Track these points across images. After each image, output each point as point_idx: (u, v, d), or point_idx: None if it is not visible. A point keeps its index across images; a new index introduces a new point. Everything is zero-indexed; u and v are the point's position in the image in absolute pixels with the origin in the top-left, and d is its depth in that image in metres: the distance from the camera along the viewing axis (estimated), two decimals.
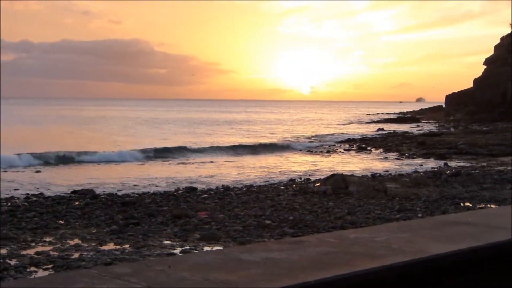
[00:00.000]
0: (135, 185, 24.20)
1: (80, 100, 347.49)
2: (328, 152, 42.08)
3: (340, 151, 42.57)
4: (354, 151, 42.55)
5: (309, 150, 43.22)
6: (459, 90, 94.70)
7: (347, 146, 47.17)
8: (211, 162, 34.55)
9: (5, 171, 28.18)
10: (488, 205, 18.84)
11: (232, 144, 46.66)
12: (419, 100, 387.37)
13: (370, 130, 71.32)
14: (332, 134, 63.02)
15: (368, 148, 44.56)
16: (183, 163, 33.91)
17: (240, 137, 58.15)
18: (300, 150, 44.20)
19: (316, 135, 61.36)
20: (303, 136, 60.87)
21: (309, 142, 52.43)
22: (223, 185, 24.04)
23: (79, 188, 22.41)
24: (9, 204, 19.05)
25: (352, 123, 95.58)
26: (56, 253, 12.65)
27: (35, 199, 20.27)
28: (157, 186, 24.11)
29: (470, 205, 18.81)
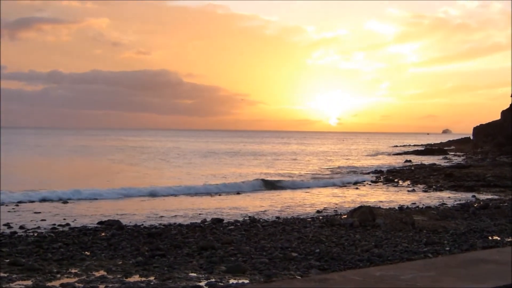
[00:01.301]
0: (162, 216, 24.19)
1: (111, 130, 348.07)
2: (355, 183, 41.92)
3: (367, 183, 42.35)
4: (381, 183, 42.33)
5: (336, 183, 42.97)
6: (486, 122, 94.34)
7: (374, 178, 46.89)
8: (238, 193, 34.52)
9: (32, 202, 28.33)
10: None
11: (262, 178, 46.60)
12: (445, 131, 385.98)
13: (397, 161, 70.97)
14: (360, 166, 62.75)
15: (396, 180, 44.33)
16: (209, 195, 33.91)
17: (266, 169, 58.05)
18: (327, 182, 43.96)
19: (343, 167, 61.19)
20: (330, 167, 60.71)
21: (336, 174, 52.22)
22: (249, 216, 23.96)
23: (106, 219, 22.46)
24: (35, 234, 19.14)
25: (379, 154, 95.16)
26: (81, 285, 12.65)
27: (61, 229, 20.34)
28: (183, 217, 24.09)
29: (499, 238, 18.60)
